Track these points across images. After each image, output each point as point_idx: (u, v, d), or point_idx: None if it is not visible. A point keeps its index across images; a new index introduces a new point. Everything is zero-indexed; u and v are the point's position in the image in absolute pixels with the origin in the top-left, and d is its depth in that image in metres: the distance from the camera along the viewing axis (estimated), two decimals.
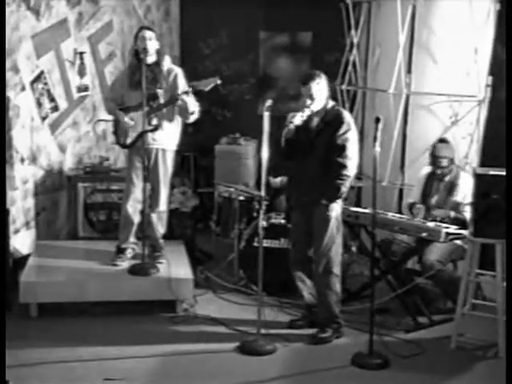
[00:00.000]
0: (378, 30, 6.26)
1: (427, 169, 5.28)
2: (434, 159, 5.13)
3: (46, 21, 5.75)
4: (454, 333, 4.57)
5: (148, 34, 5.01)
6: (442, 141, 5.20)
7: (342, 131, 4.45)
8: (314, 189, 4.49)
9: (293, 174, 4.72)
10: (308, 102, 4.47)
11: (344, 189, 4.47)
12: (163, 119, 5.08)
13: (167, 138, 5.15)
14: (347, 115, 4.57)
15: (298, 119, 4.46)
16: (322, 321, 4.67)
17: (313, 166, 4.50)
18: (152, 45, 5.00)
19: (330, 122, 4.50)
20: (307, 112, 4.48)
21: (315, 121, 4.55)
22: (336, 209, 4.55)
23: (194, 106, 5.01)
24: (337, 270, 4.61)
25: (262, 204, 4.51)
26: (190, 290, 4.99)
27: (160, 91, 5.02)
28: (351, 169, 4.46)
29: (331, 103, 4.60)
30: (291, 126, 4.44)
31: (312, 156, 4.50)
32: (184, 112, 5.03)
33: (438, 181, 5.19)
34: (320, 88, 4.48)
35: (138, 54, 5.01)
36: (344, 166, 4.43)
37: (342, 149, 4.43)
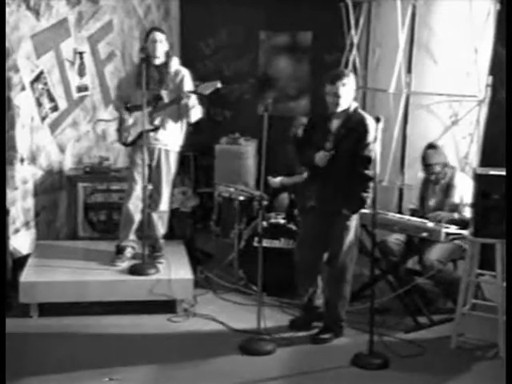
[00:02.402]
0: (378, 30, 6.25)
1: (422, 173, 5.27)
2: (426, 167, 5.12)
3: (46, 20, 5.75)
4: (453, 333, 4.57)
5: (159, 36, 5.02)
6: (431, 147, 5.12)
7: (367, 141, 4.32)
8: (335, 197, 4.39)
9: (311, 180, 4.58)
10: (334, 101, 4.31)
11: (368, 200, 4.41)
12: (167, 119, 5.09)
13: (171, 139, 5.16)
14: (371, 121, 4.36)
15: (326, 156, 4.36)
16: (326, 323, 4.66)
17: (334, 173, 4.37)
18: (162, 47, 5.02)
19: (354, 128, 4.36)
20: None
21: (335, 123, 4.41)
22: (356, 218, 4.50)
23: (196, 108, 5.02)
24: (349, 276, 4.59)
25: (262, 204, 4.51)
26: (189, 290, 4.99)
27: (164, 92, 5.03)
28: (374, 178, 4.36)
29: (354, 105, 4.43)
30: (326, 155, 4.33)
31: (333, 163, 4.36)
32: (185, 113, 5.04)
33: (434, 184, 5.18)
34: (347, 89, 4.32)
35: (147, 54, 5.01)
36: (370, 179, 4.33)
37: (367, 160, 4.32)
